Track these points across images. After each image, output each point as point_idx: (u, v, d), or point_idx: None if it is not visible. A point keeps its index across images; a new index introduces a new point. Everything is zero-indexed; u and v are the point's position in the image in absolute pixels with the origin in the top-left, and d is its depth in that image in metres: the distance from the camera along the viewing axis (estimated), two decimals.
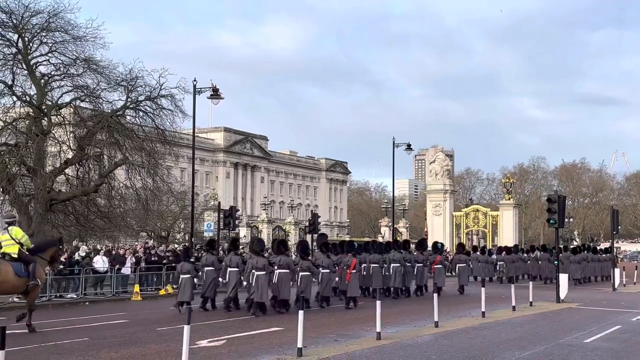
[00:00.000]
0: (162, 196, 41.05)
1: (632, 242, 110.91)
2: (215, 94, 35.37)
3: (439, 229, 66.23)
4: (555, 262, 30.35)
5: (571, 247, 51.75)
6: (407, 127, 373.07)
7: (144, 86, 32.27)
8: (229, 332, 16.93)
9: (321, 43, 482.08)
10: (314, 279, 24.31)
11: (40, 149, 30.60)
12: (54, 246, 19.17)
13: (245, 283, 22.52)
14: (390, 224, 72.19)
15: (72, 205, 32.33)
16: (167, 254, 35.16)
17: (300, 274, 23.05)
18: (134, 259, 31.62)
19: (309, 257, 24.58)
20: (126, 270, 30.92)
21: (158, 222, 51.94)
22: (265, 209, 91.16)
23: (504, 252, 44.16)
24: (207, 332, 16.41)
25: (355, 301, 24.85)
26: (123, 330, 17.53)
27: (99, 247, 36.25)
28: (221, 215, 38.90)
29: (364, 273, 27.85)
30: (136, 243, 43.87)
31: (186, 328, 10.81)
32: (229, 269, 23.02)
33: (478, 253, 41.26)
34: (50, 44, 31.52)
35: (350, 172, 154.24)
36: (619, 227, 47.60)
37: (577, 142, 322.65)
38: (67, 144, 32.18)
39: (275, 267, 22.47)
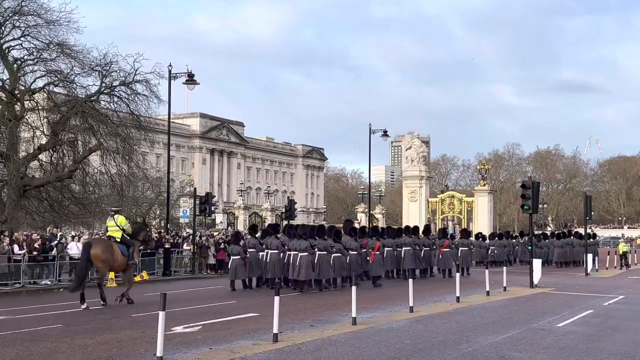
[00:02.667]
0: (138, 182, 40.84)
1: (604, 228, 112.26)
2: (191, 79, 35.13)
3: (414, 215, 66.51)
4: (529, 247, 30.69)
5: (556, 232, 53.14)
6: (384, 113, 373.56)
7: (118, 71, 32.03)
8: (204, 318, 16.93)
9: (300, 28, 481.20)
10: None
11: (13, 135, 30.30)
12: (144, 230, 23.62)
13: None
14: (366, 210, 72.41)
15: (46, 191, 32.07)
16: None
17: (333, 255, 25.60)
18: None
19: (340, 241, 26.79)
20: None
21: (133, 209, 51.58)
22: (241, 195, 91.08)
23: (496, 238, 47.48)
24: (183, 319, 16.38)
25: (375, 280, 27.71)
26: (98, 317, 17.45)
27: (73, 233, 35.96)
28: (197, 202, 38.79)
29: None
30: None
31: (161, 314, 10.79)
32: (269, 251, 25.57)
33: (472, 238, 43.57)
34: (23, 28, 31.15)
35: (327, 159, 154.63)
36: (592, 213, 48.10)
37: (554, 129, 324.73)
38: (41, 129, 31.88)
39: (316, 250, 24.92)
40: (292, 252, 24.85)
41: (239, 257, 25.82)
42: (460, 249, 35.98)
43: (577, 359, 12.41)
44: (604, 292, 26.71)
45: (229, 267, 26.58)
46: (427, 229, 37.25)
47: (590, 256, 39.25)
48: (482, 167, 73.07)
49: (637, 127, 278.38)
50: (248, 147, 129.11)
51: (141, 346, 12.85)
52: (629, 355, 12.90)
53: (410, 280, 19.33)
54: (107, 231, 21.61)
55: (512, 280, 28.08)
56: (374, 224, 54.57)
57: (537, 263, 29.14)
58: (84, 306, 18.94)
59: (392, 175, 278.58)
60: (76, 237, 31.32)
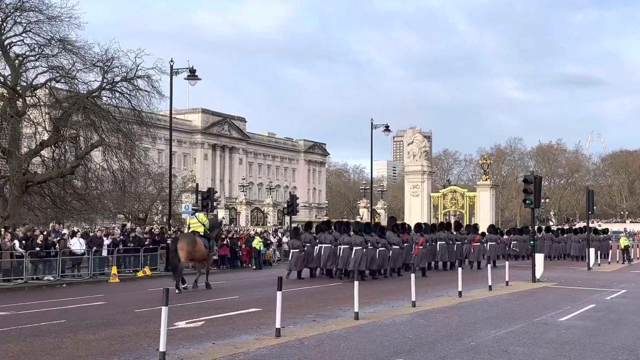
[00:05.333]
0: (139, 178, 40.86)
1: (607, 222, 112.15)
2: (192, 74, 35.11)
3: (416, 210, 66.52)
4: (532, 243, 30.68)
5: (573, 227, 54.08)
6: (386, 108, 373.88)
7: (120, 67, 32.08)
8: (207, 313, 16.95)
9: (302, 22, 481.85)
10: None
11: (15, 131, 30.32)
12: (218, 228, 27.62)
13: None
14: (368, 205, 72.45)
15: (48, 187, 32.11)
16: (145, 235, 35.05)
17: (378, 249, 28.42)
18: (110, 241, 31.44)
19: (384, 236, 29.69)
20: (104, 252, 30.77)
21: (135, 204, 51.64)
22: (243, 191, 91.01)
23: (514, 233, 49.28)
24: (186, 314, 16.41)
25: (424, 271, 30.76)
26: (100, 312, 17.48)
27: (75, 229, 35.99)
28: (199, 197, 38.79)
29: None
30: (113, 225, 43.66)
31: (164, 309, 10.80)
32: (323, 245, 28.70)
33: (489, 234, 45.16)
34: (25, 24, 31.14)
35: (329, 154, 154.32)
36: (594, 208, 48.24)
37: (556, 124, 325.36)
38: (43, 125, 31.89)
39: (368, 244, 27.74)
40: (343, 246, 27.72)
41: (298, 250, 29.00)
42: (489, 243, 39.09)
43: (580, 354, 12.41)
44: (606, 287, 26.70)
45: (290, 258, 29.81)
46: (457, 224, 40.51)
47: (592, 250, 39.27)
48: (484, 161, 73.01)
49: (639, 121, 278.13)
50: (250, 142, 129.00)
51: (144, 341, 12.87)
52: (631, 349, 12.89)
53: (413, 275, 19.33)
54: (189, 228, 24.78)
55: (514, 275, 28.08)
56: (376, 220, 54.52)
57: (539, 258, 29.14)
58: (183, 286, 22.74)
59: (394, 170, 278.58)
60: (78, 233, 31.33)
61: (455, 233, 36.95)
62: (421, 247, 31.39)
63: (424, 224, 39.64)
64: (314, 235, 30.23)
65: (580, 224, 76.14)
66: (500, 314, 17.80)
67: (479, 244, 37.41)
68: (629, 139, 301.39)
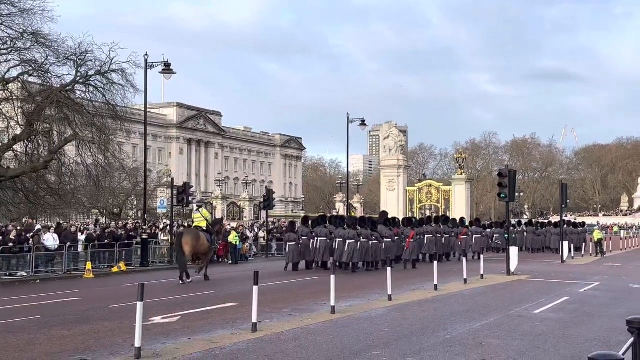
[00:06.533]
0: (114, 173, 40.54)
1: (580, 216, 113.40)
2: (167, 68, 34.85)
3: (392, 204, 66.73)
4: (506, 236, 30.93)
5: (553, 221, 55.11)
6: (362, 102, 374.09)
7: (94, 60, 31.66)
8: (183, 308, 16.88)
9: (278, 15, 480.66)
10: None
11: None
12: (220, 224, 29.90)
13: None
14: (344, 199, 72.55)
15: (21, 182, 31.69)
16: (120, 231, 34.82)
17: (371, 242, 29.84)
18: (84, 236, 31.21)
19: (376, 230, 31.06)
20: (79, 247, 30.53)
21: (110, 199, 51.30)
22: (219, 185, 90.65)
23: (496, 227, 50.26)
24: (162, 309, 16.33)
25: (414, 263, 32.23)
26: (75, 308, 17.34)
27: (49, 224, 35.64)
28: (175, 192, 38.56)
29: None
30: (88, 220, 43.30)
31: (139, 305, 10.74)
32: (318, 239, 30.08)
33: (474, 227, 46.12)
34: None
35: (305, 148, 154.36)
36: (568, 201, 48.71)
37: (531, 118, 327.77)
38: (15, 119, 31.46)
39: (362, 238, 29.22)
40: (338, 239, 29.22)
41: (294, 243, 30.44)
42: (474, 236, 41.00)
43: (554, 345, 12.54)
44: (580, 279, 26.99)
45: (286, 251, 31.13)
46: (446, 219, 41.44)
47: (566, 244, 39.69)
48: (459, 156, 73.47)
49: (612, 115, 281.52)
50: (226, 137, 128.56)
51: (119, 337, 12.79)
52: (603, 341, 13.05)
53: (389, 269, 19.41)
54: (194, 222, 26.78)
55: (489, 268, 28.30)
56: (352, 213, 54.65)
57: (514, 251, 29.39)
58: (189, 280, 23.74)
59: (370, 164, 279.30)
60: (52, 228, 31.04)
61: (442, 227, 38.14)
62: (412, 240, 32.47)
63: (414, 218, 41.59)
64: (311, 229, 31.31)
65: (555, 218, 76.97)
66: (475, 307, 17.93)
67: (465, 236, 39.36)
68: (602, 134, 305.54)
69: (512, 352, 11.78)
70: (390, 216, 37.23)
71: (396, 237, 32.62)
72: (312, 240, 30.59)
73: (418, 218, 41.65)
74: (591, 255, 45.22)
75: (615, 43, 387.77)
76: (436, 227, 36.95)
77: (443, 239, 37.17)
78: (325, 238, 30.06)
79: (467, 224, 44.45)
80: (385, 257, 30.27)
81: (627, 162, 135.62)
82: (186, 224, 38.49)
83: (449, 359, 11.17)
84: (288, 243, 31.12)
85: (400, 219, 37.38)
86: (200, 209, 27.66)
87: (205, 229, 25.72)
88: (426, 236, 35.09)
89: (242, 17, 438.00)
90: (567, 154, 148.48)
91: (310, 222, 32.89)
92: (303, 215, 40.74)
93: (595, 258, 43.13)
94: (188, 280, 23.82)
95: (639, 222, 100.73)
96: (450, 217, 45.24)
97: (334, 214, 58.93)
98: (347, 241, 28.89)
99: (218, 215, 71.92)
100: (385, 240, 31.27)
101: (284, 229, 40.96)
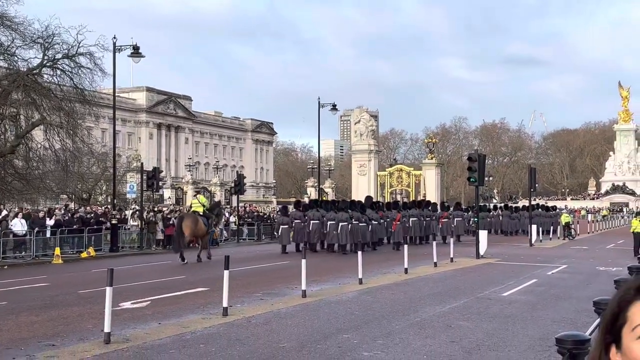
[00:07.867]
0: (83, 157, 40.11)
1: (548, 200, 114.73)
2: (136, 52, 34.48)
3: (363, 189, 66.88)
4: (475, 219, 31.24)
5: (521, 206, 56.52)
6: (334, 87, 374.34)
7: (61, 44, 31.30)
8: (153, 293, 16.81)
9: (251, 0, 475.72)
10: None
11: None
12: (219, 206, 32.68)
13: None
14: (316, 184, 72.58)
15: None
16: (89, 216, 34.49)
17: (360, 224, 31.03)
18: (53, 221, 30.83)
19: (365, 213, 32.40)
20: (47, 233, 30.18)
21: (79, 184, 50.72)
22: (190, 170, 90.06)
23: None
24: (131, 294, 16.24)
25: (399, 245, 32.07)
26: (44, 294, 17.18)
27: (16, 209, 35.18)
28: (144, 177, 38.25)
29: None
30: (56, 205, 42.81)
31: (108, 290, 10.67)
32: (311, 222, 31.23)
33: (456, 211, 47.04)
34: None
35: (277, 133, 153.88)
36: (537, 185, 49.30)
37: (500, 103, 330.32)
38: None
39: (353, 220, 30.47)
40: (330, 222, 30.60)
41: (287, 226, 31.81)
42: (455, 219, 41.75)
43: (522, 327, 12.70)
44: (548, 262, 27.34)
45: (279, 234, 32.89)
46: (428, 203, 42.98)
47: (534, 227, 40.15)
48: (430, 140, 73.88)
49: (581, 100, 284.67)
50: (196, 121, 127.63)
51: (88, 322, 12.71)
52: (571, 322, 13.25)
53: (360, 253, 19.49)
54: (191, 207, 28.64)
55: (459, 252, 28.54)
56: (324, 198, 54.73)
57: (483, 234, 29.66)
58: (184, 262, 24.87)
59: (341, 149, 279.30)
60: (20, 214, 30.63)
61: (425, 210, 39.70)
62: (398, 222, 34.13)
63: (399, 201, 43.91)
64: (304, 212, 32.45)
65: (523, 202, 77.77)
66: (444, 290, 18.09)
67: (446, 219, 40.53)
68: (571, 119, 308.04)
69: (481, 333, 11.92)
70: (444, 201, 39.46)
71: (381, 220, 34.12)
72: (304, 224, 31.65)
73: (401, 203, 42.98)
74: (559, 238, 45.78)
75: (583, 29, 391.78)
76: (420, 211, 38.57)
77: (425, 222, 38.61)
78: (318, 221, 31.31)
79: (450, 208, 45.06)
80: (373, 239, 32.91)
81: (594, 146, 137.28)
82: (156, 209, 38.43)
83: (419, 341, 11.26)
84: (280, 226, 32.66)
85: (384, 203, 39.69)
86: (197, 196, 30.00)
87: (202, 213, 27.38)
88: (411, 219, 36.59)
89: (214, 1, 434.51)
90: (536, 139, 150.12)
91: (302, 205, 34.25)
92: (294, 200, 43.27)
93: (563, 241, 43.69)
94: (183, 262, 24.84)
95: (605, 206, 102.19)
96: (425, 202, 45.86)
97: (305, 199, 59.02)
98: (340, 224, 30.30)
99: (189, 201, 71.53)
100: (373, 222, 32.69)
101: (278, 212, 42.07)
